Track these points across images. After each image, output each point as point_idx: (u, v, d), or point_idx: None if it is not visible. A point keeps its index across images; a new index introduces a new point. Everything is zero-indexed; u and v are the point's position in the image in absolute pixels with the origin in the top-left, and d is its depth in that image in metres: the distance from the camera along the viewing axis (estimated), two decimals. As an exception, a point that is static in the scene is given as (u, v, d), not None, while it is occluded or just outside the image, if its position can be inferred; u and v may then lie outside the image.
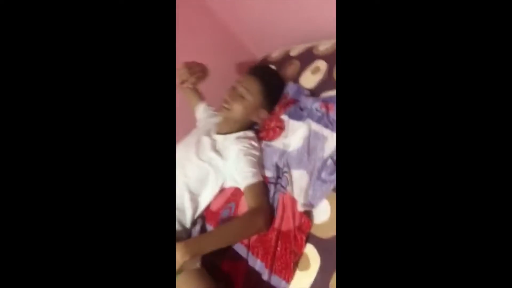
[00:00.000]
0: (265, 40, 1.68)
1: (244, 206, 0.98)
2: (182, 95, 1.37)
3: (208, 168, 1.06)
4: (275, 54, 1.51)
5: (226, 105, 1.11)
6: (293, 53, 1.40)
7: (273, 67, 1.35)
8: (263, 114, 1.15)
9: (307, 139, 0.99)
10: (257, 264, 0.87)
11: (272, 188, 0.96)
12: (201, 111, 1.33)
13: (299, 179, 0.94)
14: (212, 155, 1.07)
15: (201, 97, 1.36)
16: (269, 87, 1.14)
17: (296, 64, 1.32)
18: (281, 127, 1.10)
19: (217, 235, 0.88)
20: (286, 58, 1.41)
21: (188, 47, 1.46)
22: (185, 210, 1.04)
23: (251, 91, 1.11)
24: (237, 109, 1.11)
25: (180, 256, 0.78)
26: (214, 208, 1.06)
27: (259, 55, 1.68)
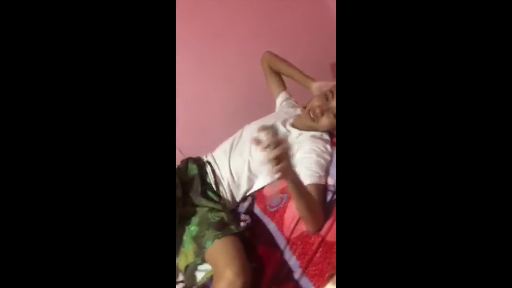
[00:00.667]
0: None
1: (295, 201, 1.00)
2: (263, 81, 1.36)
3: None
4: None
5: (313, 117, 1.08)
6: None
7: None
8: None
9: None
10: (292, 260, 0.89)
11: (329, 195, 0.97)
12: (281, 100, 1.33)
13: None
14: None
15: (283, 85, 1.34)
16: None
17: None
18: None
19: (303, 192, 0.86)
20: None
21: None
22: (240, 186, 1.09)
23: None
24: (324, 124, 1.08)
25: (286, 172, 0.74)
26: (266, 192, 1.09)
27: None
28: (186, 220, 1.00)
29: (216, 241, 0.90)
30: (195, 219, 0.99)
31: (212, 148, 1.21)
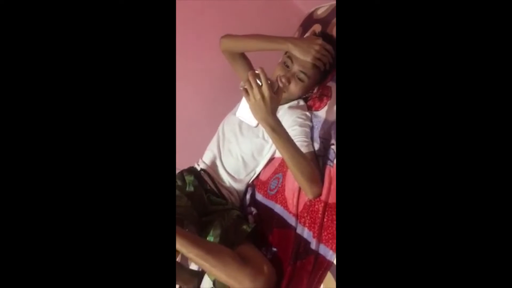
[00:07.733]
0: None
1: (290, 176, 1.01)
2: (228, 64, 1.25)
3: (262, 142, 1.10)
4: (322, 10, 1.42)
5: (281, 86, 1.01)
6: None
7: (319, 29, 1.28)
8: (316, 88, 1.12)
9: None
10: (305, 232, 0.91)
11: (320, 161, 0.98)
12: None
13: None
14: None
15: (250, 67, 1.23)
16: (328, 64, 1.04)
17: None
18: (328, 95, 1.08)
19: (288, 145, 0.90)
20: (333, 14, 1.32)
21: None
22: (242, 180, 1.13)
23: (309, 75, 1.04)
24: (294, 91, 1.07)
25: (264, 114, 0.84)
26: (263, 177, 1.11)
27: (305, 10, 1.59)
28: (205, 234, 1.03)
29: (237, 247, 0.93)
30: (214, 231, 0.99)
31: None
